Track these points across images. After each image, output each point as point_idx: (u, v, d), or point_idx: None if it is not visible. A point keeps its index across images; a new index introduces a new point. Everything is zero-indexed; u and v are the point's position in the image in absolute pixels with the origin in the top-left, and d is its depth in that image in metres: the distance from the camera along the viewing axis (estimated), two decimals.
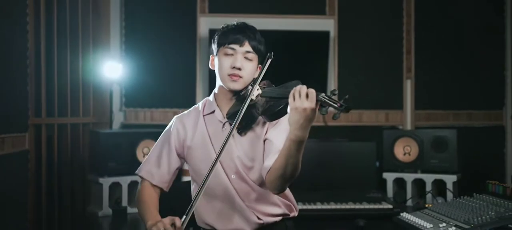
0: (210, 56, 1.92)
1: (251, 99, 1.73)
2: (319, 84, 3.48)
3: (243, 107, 1.69)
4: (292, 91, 1.50)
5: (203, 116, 1.90)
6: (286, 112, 1.58)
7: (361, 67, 3.89)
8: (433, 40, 3.92)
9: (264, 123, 1.83)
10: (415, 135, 3.14)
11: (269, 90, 1.77)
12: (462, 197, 2.44)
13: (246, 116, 1.73)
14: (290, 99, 1.50)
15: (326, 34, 3.76)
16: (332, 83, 3.87)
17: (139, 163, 3.09)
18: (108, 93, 3.53)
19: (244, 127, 1.82)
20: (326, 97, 1.46)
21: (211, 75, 3.73)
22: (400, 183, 3.19)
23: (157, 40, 3.77)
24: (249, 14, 3.79)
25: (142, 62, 3.75)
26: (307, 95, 1.47)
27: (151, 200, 1.86)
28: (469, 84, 3.93)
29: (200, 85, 3.82)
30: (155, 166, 1.92)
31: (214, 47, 1.89)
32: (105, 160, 2.97)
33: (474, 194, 2.43)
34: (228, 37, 1.82)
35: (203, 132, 1.88)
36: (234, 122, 1.68)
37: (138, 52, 3.76)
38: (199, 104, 1.97)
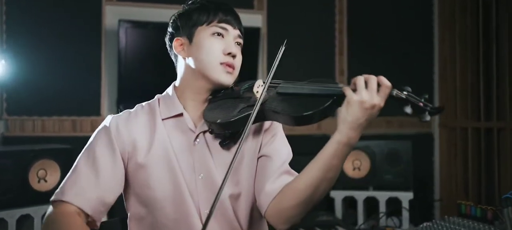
0: (175, 39, 1.40)
1: (260, 93, 1.26)
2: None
3: (255, 109, 1.21)
4: (356, 80, 1.16)
5: (162, 120, 1.37)
6: (329, 114, 1.20)
7: (292, 68, 3.49)
8: (365, 41, 3.68)
9: (256, 132, 1.38)
10: (367, 147, 2.81)
11: (290, 86, 1.30)
12: (434, 221, 2.15)
13: (240, 121, 1.27)
14: (348, 91, 1.16)
15: (256, 31, 3.33)
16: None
17: (32, 192, 2.44)
18: None
19: (230, 136, 1.32)
20: (406, 94, 1.16)
21: (122, 75, 3.20)
22: (349, 202, 2.85)
23: (51, 32, 3.10)
24: (168, 4, 3.23)
25: (29, 58, 3.06)
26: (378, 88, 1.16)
27: None
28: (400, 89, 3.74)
29: (106, 88, 3.18)
30: (89, 185, 1.27)
31: (184, 26, 1.38)
32: None
33: (446, 216, 2.16)
34: (216, 13, 1.35)
35: (165, 144, 1.33)
36: (241, 136, 1.16)
37: (25, 45, 3.06)
38: (148, 104, 1.42)
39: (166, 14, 3.28)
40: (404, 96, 1.15)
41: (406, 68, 3.76)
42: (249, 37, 3.30)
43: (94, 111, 3.17)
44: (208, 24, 1.34)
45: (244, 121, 1.24)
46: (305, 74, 3.41)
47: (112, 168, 1.29)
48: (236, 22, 1.37)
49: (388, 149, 2.83)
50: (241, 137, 1.16)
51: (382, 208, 2.79)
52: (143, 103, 1.42)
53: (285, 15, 3.53)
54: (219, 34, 1.34)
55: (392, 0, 3.75)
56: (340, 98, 1.19)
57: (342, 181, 2.83)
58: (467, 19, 3.62)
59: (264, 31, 3.45)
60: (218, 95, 1.38)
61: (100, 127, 1.36)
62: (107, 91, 3.19)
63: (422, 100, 1.15)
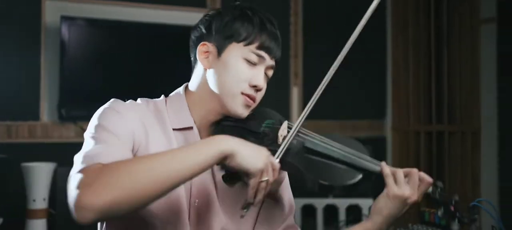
0: (202, 42, 1.18)
1: (286, 141, 1.11)
2: None
3: (282, 149, 1.08)
4: (396, 173, 1.12)
5: (173, 129, 1.16)
6: (352, 188, 1.10)
7: None
8: (321, 44, 3.62)
9: None
10: None
11: (320, 143, 1.15)
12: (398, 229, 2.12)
13: None
14: (390, 180, 1.11)
15: None
16: None
17: None
18: None
19: (237, 175, 1.15)
20: (439, 192, 1.14)
21: (64, 76, 2.96)
22: (308, 211, 2.77)
23: None
24: (116, 0, 3.01)
25: None
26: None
27: None
28: (354, 93, 3.72)
29: (47, 90, 2.93)
30: (118, 148, 1.04)
31: (218, 33, 1.17)
32: None
33: (409, 225, 2.14)
34: (260, 35, 1.15)
35: None
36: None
37: None
38: (155, 103, 1.19)
39: (113, 11, 3.09)
40: (438, 197, 1.15)
41: (360, 71, 3.74)
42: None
43: (32, 115, 2.90)
44: (245, 45, 1.15)
45: None
46: None
47: (127, 141, 1.07)
48: (277, 50, 1.19)
49: None
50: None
51: (342, 216, 2.73)
52: (148, 100, 1.20)
53: None
54: (250, 61, 1.15)
55: (347, 1, 3.71)
56: (369, 176, 1.14)
57: (301, 188, 2.74)
58: (420, 23, 3.65)
59: None
60: (230, 119, 1.20)
61: (102, 109, 1.11)
62: (48, 94, 2.93)
63: (453, 203, 1.13)
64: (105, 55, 2.97)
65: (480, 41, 3.43)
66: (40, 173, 2.44)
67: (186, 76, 1.25)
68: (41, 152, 2.75)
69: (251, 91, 1.15)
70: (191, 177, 0.96)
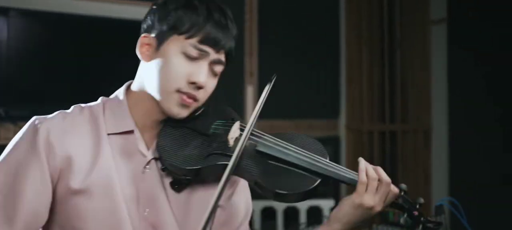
0: (144, 34, 1.09)
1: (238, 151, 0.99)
2: None
3: (236, 158, 0.95)
4: (368, 177, 1.05)
5: (108, 134, 1.07)
6: (312, 197, 1.05)
7: None
8: (276, 43, 3.56)
9: (213, 179, 1.10)
10: None
11: (273, 147, 1.06)
12: None
13: (205, 171, 1.03)
14: (362, 188, 1.04)
15: None
16: None
17: None
18: None
19: (186, 182, 1.07)
20: (402, 197, 1.07)
21: (1, 75, 2.71)
22: (268, 213, 2.70)
23: None
24: None
25: None
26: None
27: None
28: (309, 92, 3.69)
29: None
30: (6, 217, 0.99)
31: (160, 23, 1.05)
32: None
33: (374, 225, 2.15)
34: (203, 25, 1.04)
35: (109, 169, 1.04)
36: (219, 188, 0.89)
37: None
38: (90, 109, 1.10)
39: (53, 2, 2.87)
40: (401, 202, 1.07)
41: (314, 70, 3.72)
42: None
43: None
44: (187, 38, 1.03)
45: (210, 171, 1.03)
46: None
47: (37, 195, 0.99)
48: (226, 41, 1.07)
49: None
50: (211, 211, 0.88)
51: (303, 218, 2.68)
52: (83, 106, 1.10)
53: None
54: (191, 57, 1.04)
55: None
56: (327, 180, 1.05)
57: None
58: (373, 23, 3.67)
59: None
60: (179, 120, 1.09)
61: (22, 134, 1.04)
62: None
63: (417, 207, 1.07)
64: (46, 50, 2.77)
65: (431, 42, 3.50)
66: None
67: (131, 74, 1.14)
68: None
69: (190, 89, 1.04)
70: None
